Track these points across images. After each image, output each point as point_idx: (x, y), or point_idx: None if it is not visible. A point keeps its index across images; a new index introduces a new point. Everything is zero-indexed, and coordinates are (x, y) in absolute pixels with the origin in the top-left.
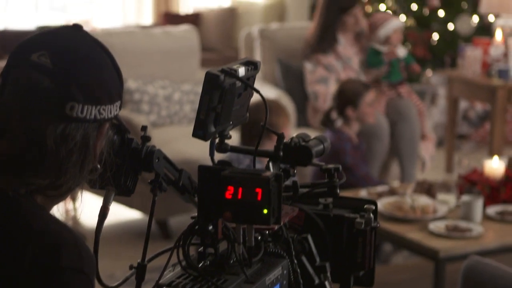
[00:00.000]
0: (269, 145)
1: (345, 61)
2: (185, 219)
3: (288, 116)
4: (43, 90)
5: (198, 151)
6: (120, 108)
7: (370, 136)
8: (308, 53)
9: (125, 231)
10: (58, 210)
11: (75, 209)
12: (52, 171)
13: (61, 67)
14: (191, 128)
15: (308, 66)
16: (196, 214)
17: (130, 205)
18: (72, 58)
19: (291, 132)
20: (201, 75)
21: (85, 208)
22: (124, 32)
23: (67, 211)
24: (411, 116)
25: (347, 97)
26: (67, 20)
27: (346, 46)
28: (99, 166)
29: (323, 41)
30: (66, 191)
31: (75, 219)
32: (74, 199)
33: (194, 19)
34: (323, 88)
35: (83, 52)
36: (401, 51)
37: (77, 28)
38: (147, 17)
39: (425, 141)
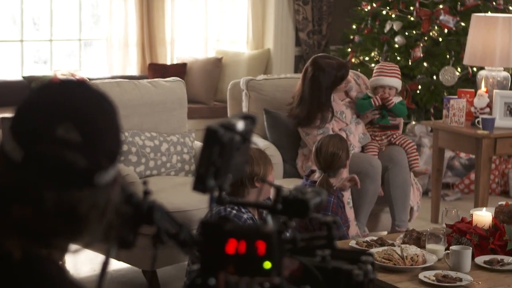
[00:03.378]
0: (254, 192)
1: (339, 115)
2: (173, 270)
3: (271, 164)
4: (74, 165)
5: (186, 201)
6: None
7: (363, 177)
8: (298, 125)
9: (112, 281)
10: None
11: (62, 260)
12: (77, 233)
13: (89, 139)
14: (178, 178)
15: (303, 134)
16: (195, 266)
17: (117, 257)
18: (95, 123)
19: (275, 180)
20: (188, 126)
21: (70, 258)
22: (111, 83)
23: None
24: (402, 164)
25: (327, 166)
26: (53, 70)
27: (337, 100)
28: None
29: (316, 117)
30: (85, 246)
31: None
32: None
33: (179, 69)
34: None
35: (100, 112)
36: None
37: (84, 85)
38: (132, 68)
39: (414, 189)
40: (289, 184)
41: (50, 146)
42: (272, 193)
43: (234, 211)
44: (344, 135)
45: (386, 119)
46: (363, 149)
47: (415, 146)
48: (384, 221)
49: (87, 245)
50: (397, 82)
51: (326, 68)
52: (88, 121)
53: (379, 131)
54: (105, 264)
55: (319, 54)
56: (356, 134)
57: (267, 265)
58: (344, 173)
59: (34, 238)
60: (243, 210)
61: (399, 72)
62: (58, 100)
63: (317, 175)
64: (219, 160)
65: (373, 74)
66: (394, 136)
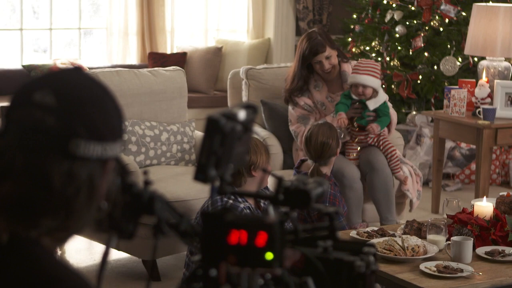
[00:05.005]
0: (251, 182)
1: (319, 106)
2: (173, 260)
3: (269, 154)
4: (47, 128)
5: (186, 191)
6: (122, 148)
7: (341, 187)
8: (287, 97)
9: (112, 271)
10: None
11: (62, 250)
12: (61, 211)
13: (66, 105)
14: (178, 168)
15: (289, 107)
16: (196, 257)
17: (117, 247)
18: (76, 96)
19: (275, 171)
20: (188, 115)
21: (67, 247)
22: (111, 72)
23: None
24: (381, 167)
25: (317, 156)
26: (53, 59)
27: (323, 91)
28: (106, 204)
29: (296, 85)
30: (75, 232)
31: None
32: None
33: (179, 58)
34: (302, 128)
35: (86, 90)
36: (372, 103)
37: (78, 69)
38: (132, 57)
39: (408, 183)
40: (289, 175)
41: (24, 109)
42: (269, 182)
43: (231, 201)
44: None
45: (364, 120)
46: (344, 147)
47: (396, 153)
48: (370, 212)
49: (78, 231)
50: (371, 80)
51: (308, 39)
52: (65, 90)
53: (357, 132)
54: (106, 254)
55: (319, 29)
56: None
57: (269, 256)
58: (334, 159)
59: (19, 216)
60: (239, 199)
61: (376, 70)
62: (44, 75)
63: (307, 166)
64: (221, 149)
65: (352, 73)
66: (377, 139)
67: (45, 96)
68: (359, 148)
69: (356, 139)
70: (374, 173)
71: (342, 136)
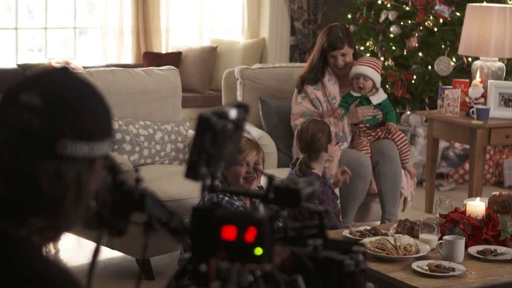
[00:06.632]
0: (231, 177)
1: (330, 99)
2: (167, 259)
3: (256, 150)
4: (34, 129)
5: (179, 190)
6: (111, 146)
7: (353, 176)
8: (300, 86)
9: (106, 269)
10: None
11: (56, 249)
12: (49, 211)
13: (52, 105)
14: (172, 167)
15: (298, 97)
16: (187, 255)
17: (111, 245)
18: (62, 96)
19: (269, 170)
20: (183, 115)
21: (60, 245)
22: (106, 71)
23: (47, 251)
24: (393, 157)
25: (307, 147)
26: (48, 58)
27: (335, 85)
28: (95, 203)
29: (312, 73)
30: (64, 231)
31: (56, 258)
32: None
33: (174, 58)
34: None
35: (73, 90)
36: (375, 98)
37: (65, 69)
38: (127, 56)
39: (408, 179)
40: (284, 173)
41: (12, 110)
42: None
43: (227, 198)
44: None
45: (374, 117)
46: (353, 144)
47: (407, 142)
48: (374, 210)
49: (67, 229)
50: (372, 73)
51: (329, 32)
52: (52, 91)
53: (367, 129)
54: (97, 252)
55: (342, 24)
56: (334, 129)
57: (258, 251)
58: (325, 157)
59: (8, 215)
60: (235, 197)
61: (378, 66)
62: (31, 76)
63: None
64: (212, 148)
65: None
66: (386, 130)
67: (31, 97)
68: (369, 145)
69: (367, 135)
70: (386, 162)
71: (342, 137)
